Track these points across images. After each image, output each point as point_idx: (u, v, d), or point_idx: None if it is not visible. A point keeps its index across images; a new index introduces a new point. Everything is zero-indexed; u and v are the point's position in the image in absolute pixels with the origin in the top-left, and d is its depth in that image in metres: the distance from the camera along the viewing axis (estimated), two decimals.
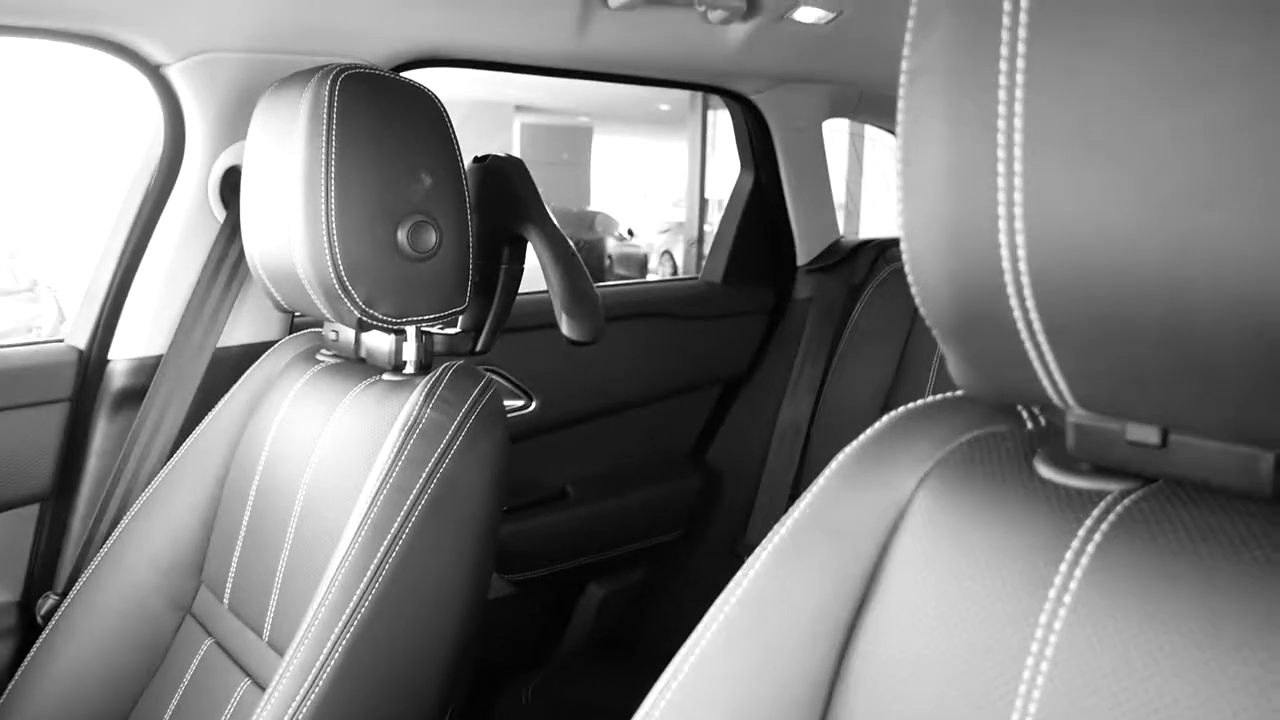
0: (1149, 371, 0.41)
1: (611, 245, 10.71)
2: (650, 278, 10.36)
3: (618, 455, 1.90)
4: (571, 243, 1.20)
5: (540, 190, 1.22)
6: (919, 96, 0.45)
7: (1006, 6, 0.41)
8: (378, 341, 1.10)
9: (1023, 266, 0.42)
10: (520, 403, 1.71)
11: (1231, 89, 0.34)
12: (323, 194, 0.96)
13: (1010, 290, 0.43)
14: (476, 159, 1.23)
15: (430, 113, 1.03)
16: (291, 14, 1.24)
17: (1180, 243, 0.36)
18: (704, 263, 2.07)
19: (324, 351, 1.20)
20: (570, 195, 12.03)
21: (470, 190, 1.15)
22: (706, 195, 9.08)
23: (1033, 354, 0.44)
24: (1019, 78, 0.40)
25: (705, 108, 9.00)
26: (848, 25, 1.57)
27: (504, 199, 1.19)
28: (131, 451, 1.29)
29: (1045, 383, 0.45)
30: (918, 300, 0.49)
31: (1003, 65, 0.41)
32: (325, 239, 0.97)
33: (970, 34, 0.42)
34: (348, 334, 1.13)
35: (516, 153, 1.29)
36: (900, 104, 0.46)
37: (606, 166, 12.74)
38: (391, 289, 1.01)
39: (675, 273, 10.56)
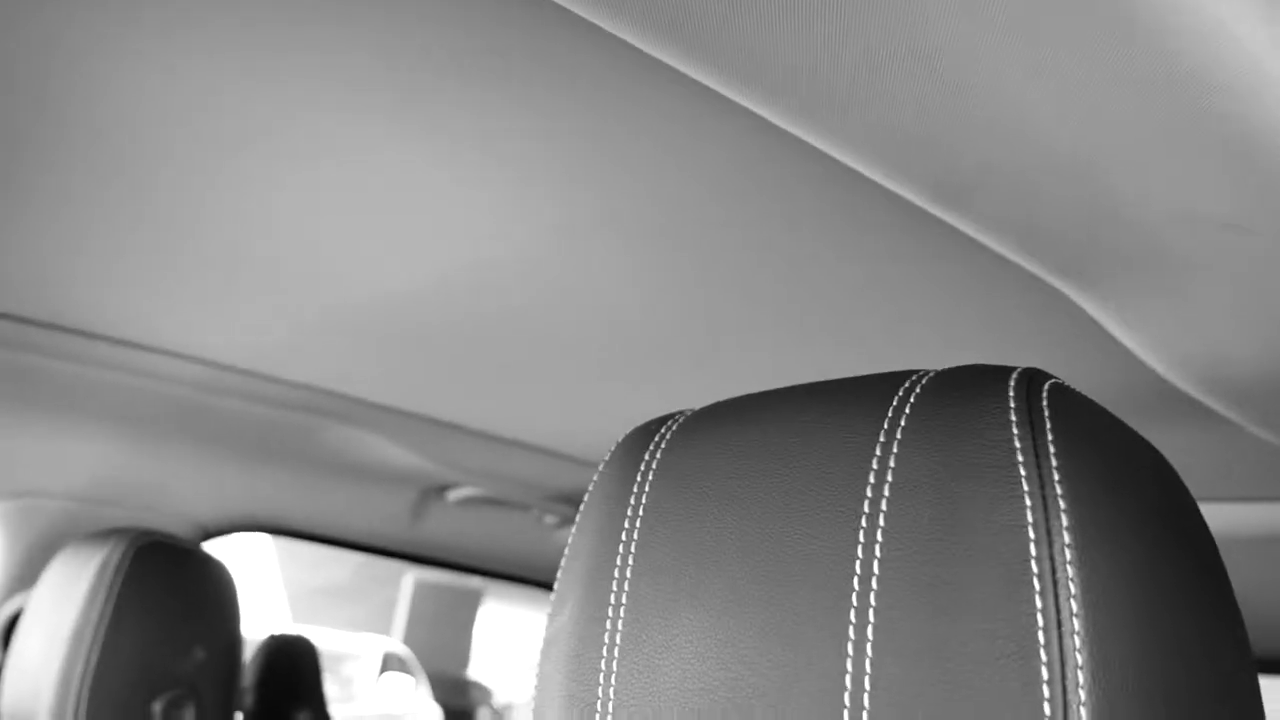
0: None
1: (482, 717, 10.21)
2: None
3: None
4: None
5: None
6: (548, 667, 0.50)
7: (611, 600, 0.47)
8: None
9: None
10: None
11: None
12: (84, 657, 0.95)
13: None
14: (272, 636, 1.24)
15: (220, 587, 1.06)
16: (114, 471, 1.29)
17: None
18: None
19: None
20: (449, 659, 11.67)
21: (255, 667, 1.14)
22: None
23: None
24: (614, 673, 0.45)
25: None
26: None
27: (285, 679, 1.18)
28: None
29: None
30: None
31: (602, 663, 0.46)
32: (72, 708, 0.94)
33: (587, 620, 0.48)
34: None
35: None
36: (536, 672, 0.51)
37: (493, 634, 12.51)
38: None
39: None
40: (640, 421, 1.24)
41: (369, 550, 1.63)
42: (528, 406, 1.17)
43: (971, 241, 0.62)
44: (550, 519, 1.60)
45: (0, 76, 0.62)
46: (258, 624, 1.30)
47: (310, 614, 11.29)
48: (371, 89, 0.59)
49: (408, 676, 8.41)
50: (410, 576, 11.94)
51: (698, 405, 0.58)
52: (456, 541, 1.64)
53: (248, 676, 1.19)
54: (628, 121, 0.59)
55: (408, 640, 10.96)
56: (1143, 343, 0.63)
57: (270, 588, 11.03)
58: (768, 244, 0.70)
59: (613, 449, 0.54)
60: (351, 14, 0.53)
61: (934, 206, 0.52)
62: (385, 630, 11.26)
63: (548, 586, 1.94)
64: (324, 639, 8.33)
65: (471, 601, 12.15)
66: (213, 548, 1.38)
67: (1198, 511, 0.41)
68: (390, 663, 8.35)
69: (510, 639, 12.59)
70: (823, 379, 0.47)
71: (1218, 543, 0.41)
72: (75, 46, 0.58)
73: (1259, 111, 0.42)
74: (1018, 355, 0.79)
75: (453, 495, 1.49)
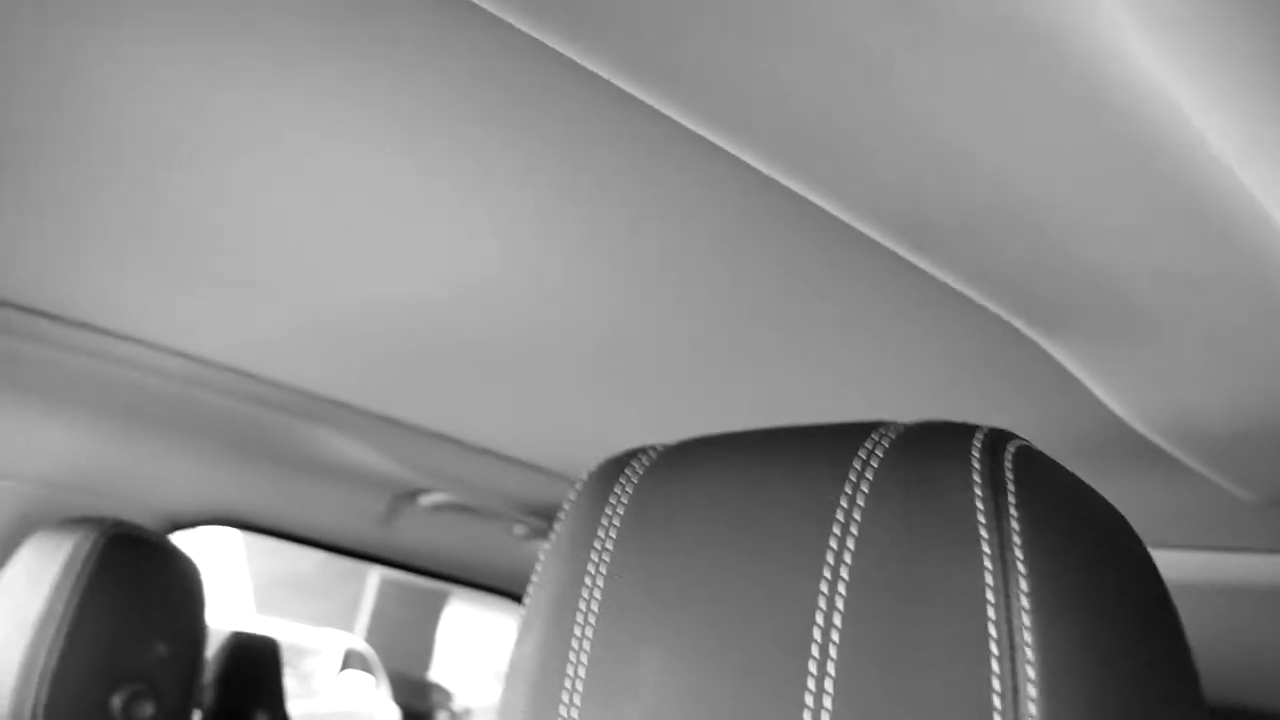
0: None
1: None
2: None
3: None
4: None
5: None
6: (511, 694, 0.50)
7: (576, 633, 0.48)
8: None
9: None
10: None
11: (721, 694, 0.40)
12: (48, 647, 0.95)
13: None
14: (235, 633, 1.23)
15: (186, 582, 1.06)
16: (87, 459, 1.29)
17: None
18: None
19: None
20: (411, 659, 11.60)
21: (217, 664, 1.14)
22: None
23: None
24: (575, 706, 0.46)
25: None
26: None
27: (246, 678, 1.18)
28: None
29: None
30: None
31: (565, 695, 0.47)
32: (33, 695, 0.94)
33: (551, 651, 0.49)
34: None
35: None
36: (500, 697, 0.52)
37: (457, 636, 12.45)
38: None
39: None
40: (613, 442, 1.25)
41: (338, 551, 1.63)
42: (504, 417, 1.18)
43: (942, 285, 0.63)
44: (520, 530, 1.60)
45: None
46: (221, 614, 1.29)
47: (273, 606, 11.20)
48: (369, 105, 0.60)
49: (368, 675, 8.35)
50: (376, 574, 11.85)
51: (671, 432, 0.59)
52: (426, 547, 1.64)
53: (208, 673, 1.19)
54: (620, 155, 0.60)
55: (370, 638, 10.88)
56: (1110, 392, 0.65)
57: (235, 578, 10.94)
58: (751, 281, 0.72)
59: (585, 476, 0.55)
60: (354, 32, 0.54)
61: (903, 250, 0.54)
62: (348, 627, 11.18)
63: (513, 596, 1.94)
64: (286, 633, 8.26)
65: (436, 603, 12.09)
66: (180, 536, 1.38)
67: (1159, 579, 0.42)
68: (351, 660, 8.29)
69: (474, 642, 12.53)
70: (794, 413, 0.49)
71: (1175, 589, 0.42)
72: (71, 48, 0.59)
73: (1202, 172, 0.44)
74: (983, 398, 0.80)
75: (425, 500, 1.50)
